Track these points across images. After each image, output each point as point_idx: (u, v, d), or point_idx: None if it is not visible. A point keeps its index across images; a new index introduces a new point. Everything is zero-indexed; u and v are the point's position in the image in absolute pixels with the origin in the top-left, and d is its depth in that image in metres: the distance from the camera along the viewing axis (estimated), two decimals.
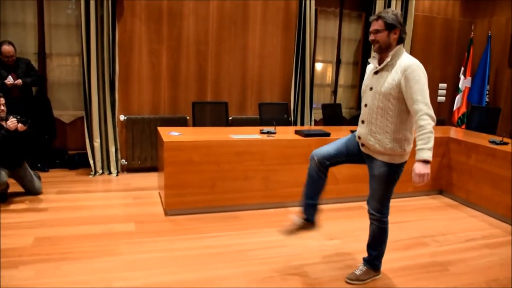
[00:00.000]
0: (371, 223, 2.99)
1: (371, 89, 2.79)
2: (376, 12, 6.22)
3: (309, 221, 3.10)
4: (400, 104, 2.68)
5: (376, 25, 2.71)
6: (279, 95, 6.20)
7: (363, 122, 2.85)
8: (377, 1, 6.30)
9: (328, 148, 3.04)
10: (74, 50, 5.37)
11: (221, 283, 2.92)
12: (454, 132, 5.42)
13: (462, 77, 7.05)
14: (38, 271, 2.91)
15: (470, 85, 6.99)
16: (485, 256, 3.56)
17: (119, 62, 5.28)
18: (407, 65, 2.62)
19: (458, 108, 7.10)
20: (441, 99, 7.28)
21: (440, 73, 7.19)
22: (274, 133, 4.55)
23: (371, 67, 2.90)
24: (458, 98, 7.10)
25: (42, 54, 5.26)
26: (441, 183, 5.15)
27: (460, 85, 7.07)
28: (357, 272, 3.05)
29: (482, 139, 4.90)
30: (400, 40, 2.72)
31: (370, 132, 2.78)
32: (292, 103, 6.13)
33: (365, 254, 3.10)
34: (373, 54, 2.88)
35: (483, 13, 7.09)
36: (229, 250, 3.41)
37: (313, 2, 5.92)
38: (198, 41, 5.66)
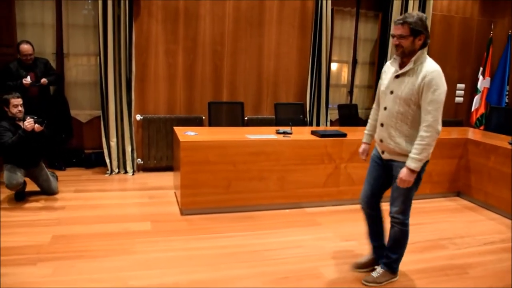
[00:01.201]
0: (392, 226, 2.95)
1: (391, 92, 2.79)
2: (398, 13, 6.21)
3: (376, 260, 3.15)
4: (419, 110, 2.68)
5: (400, 30, 2.66)
6: (294, 96, 6.18)
7: (382, 125, 2.86)
8: (394, 1, 6.24)
9: (364, 187, 3.08)
10: (91, 50, 5.43)
11: (236, 283, 2.91)
12: (472, 134, 5.34)
13: (480, 77, 6.95)
14: (55, 268, 2.95)
15: (489, 86, 6.89)
16: (503, 260, 3.49)
17: (135, 62, 5.32)
18: (429, 72, 2.61)
19: (477, 109, 7.00)
20: (459, 99, 7.18)
21: (458, 74, 7.09)
22: (290, 133, 4.53)
23: (390, 68, 2.87)
24: (476, 98, 7.00)
25: (60, 54, 5.32)
26: (459, 185, 5.07)
27: (478, 86, 6.97)
28: (374, 275, 3.01)
29: (501, 140, 4.82)
30: (424, 45, 2.69)
31: (390, 136, 2.80)
32: (308, 103, 6.11)
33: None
34: (394, 55, 2.85)
35: (502, 12, 6.97)
36: (244, 250, 3.41)
37: (329, 2, 5.89)
38: (214, 41, 5.67)
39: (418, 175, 2.76)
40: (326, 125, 6.24)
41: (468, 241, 3.85)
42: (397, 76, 2.77)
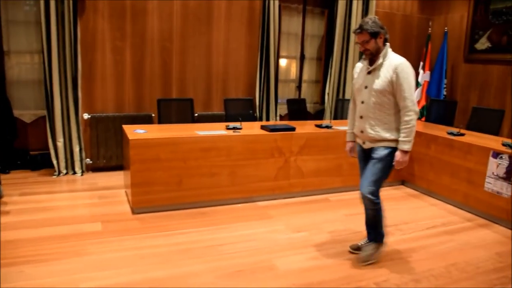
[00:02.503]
0: (366, 210, 3.23)
1: (366, 87, 3.10)
2: (343, 10, 6.38)
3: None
4: (394, 98, 3.02)
5: (361, 37, 3.02)
6: (244, 91, 6.24)
7: (361, 117, 3.15)
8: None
9: (360, 179, 3.28)
10: (34, 47, 5.23)
11: (191, 280, 2.94)
12: None
13: (421, 71, 7.28)
14: (1, 275, 2.84)
15: (429, 79, 7.23)
16: (444, 242, 3.73)
17: (81, 59, 5.18)
18: (397, 64, 2.98)
19: (418, 101, 7.32)
20: None
21: None
22: (240, 128, 4.58)
23: (361, 66, 3.22)
24: (417, 91, 7.31)
25: None
26: (403, 174, 5.32)
27: (419, 79, 7.29)
28: (363, 253, 3.29)
29: (440, 130, 5.09)
30: (386, 40, 3.06)
31: (370, 125, 3.10)
32: (257, 98, 6.18)
33: (332, 246, 3.22)
34: (363, 56, 3.17)
35: (439, 10, 7.33)
36: (198, 246, 3.43)
37: None
38: (163, 38, 5.62)
39: (390, 161, 3.06)
40: (276, 120, 6.34)
41: (412, 226, 4.06)
42: (369, 72, 3.09)
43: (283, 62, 6.71)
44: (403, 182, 5.39)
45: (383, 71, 3.01)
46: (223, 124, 4.82)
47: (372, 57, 3.09)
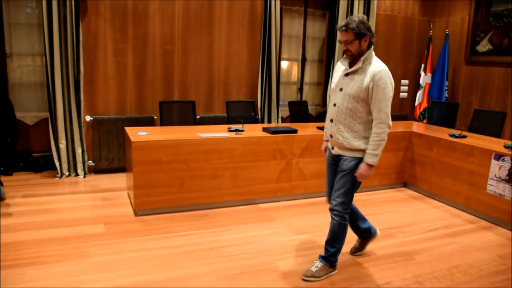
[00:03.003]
0: (332, 219, 3.04)
1: (341, 90, 2.91)
2: (344, 13, 6.39)
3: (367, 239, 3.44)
4: (367, 107, 2.83)
5: (345, 36, 2.80)
6: (246, 94, 6.24)
7: (331, 120, 2.97)
8: (341, 1, 6.42)
9: (326, 187, 3.20)
10: (36, 50, 5.25)
11: (193, 282, 2.94)
12: (416, 127, 5.60)
13: (422, 73, 7.28)
14: (3, 277, 2.85)
15: (430, 81, 7.23)
16: (447, 244, 3.72)
17: (83, 62, 5.20)
18: (377, 72, 2.76)
19: (420, 104, 7.33)
20: (403, 95, 7.49)
21: (402, 70, 7.40)
22: (242, 130, 4.59)
23: (340, 67, 3.00)
24: (419, 93, 7.33)
25: (2, 54, 5.11)
26: (405, 176, 5.32)
27: (421, 81, 7.30)
28: (313, 269, 3.07)
29: (442, 133, 5.09)
30: (370, 44, 2.84)
31: (338, 131, 2.92)
32: (259, 101, 6.18)
33: None
34: (344, 55, 2.96)
35: (440, 12, 7.34)
36: (200, 248, 3.44)
37: (278, 1, 5.98)
38: (164, 40, 5.63)
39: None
40: (278, 122, 6.35)
41: (414, 229, 4.06)
42: (346, 74, 2.90)
43: (284, 64, 6.72)
44: (405, 184, 5.39)
45: (361, 77, 2.81)
46: (225, 126, 4.83)
47: (353, 59, 2.88)
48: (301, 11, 6.61)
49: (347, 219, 3.03)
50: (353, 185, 2.97)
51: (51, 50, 4.93)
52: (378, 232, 3.46)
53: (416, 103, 7.36)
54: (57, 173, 5.19)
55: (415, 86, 7.51)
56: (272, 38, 6.05)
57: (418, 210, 4.61)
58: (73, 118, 5.17)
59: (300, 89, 6.87)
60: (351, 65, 2.90)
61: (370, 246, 3.55)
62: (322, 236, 3.74)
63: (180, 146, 4.09)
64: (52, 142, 5.12)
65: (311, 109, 6.83)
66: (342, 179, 2.95)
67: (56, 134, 5.12)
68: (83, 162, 5.30)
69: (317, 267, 3.08)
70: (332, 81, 3.07)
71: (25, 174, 5.24)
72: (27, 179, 5.08)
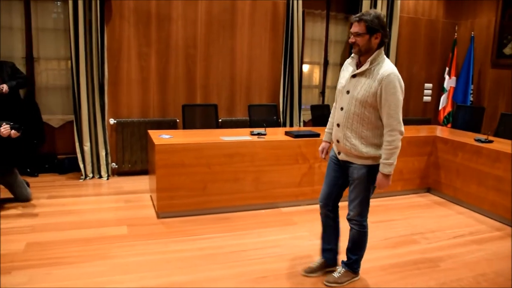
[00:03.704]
0: (351, 229, 2.99)
1: (348, 92, 2.76)
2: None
3: (327, 264, 3.17)
4: (376, 112, 2.69)
5: (357, 28, 2.64)
6: (268, 97, 6.25)
7: (338, 125, 2.85)
8: (363, 3, 6.38)
9: (323, 188, 3.09)
10: (62, 54, 5.36)
11: (215, 284, 2.94)
12: (440, 131, 5.51)
13: (447, 77, 7.17)
14: (30, 276, 2.91)
15: (455, 85, 7.11)
16: (473, 252, 3.64)
17: (108, 65, 5.28)
18: (385, 75, 2.59)
19: (444, 108, 7.22)
20: (427, 98, 7.38)
21: (426, 73, 7.30)
22: (265, 134, 4.58)
23: (348, 67, 2.85)
24: (443, 97, 7.21)
25: (29, 58, 5.23)
26: (429, 182, 5.23)
27: (445, 85, 7.19)
28: (336, 275, 3.04)
29: (467, 137, 4.99)
30: (381, 44, 2.68)
31: (345, 136, 2.78)
32: (281, 104, 6.18)
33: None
34: (352, 54, 2.83)
35: (466, 15, 7.22)
36: (222, 252, 3.44)
37: (300, 4, 5.98)
38: (187, 44, 5.68)
39: (371, 179, 2.81)
40: (299, 126, 6.33)
41: (438, 235, 3.99)
42: (353, 76, 2.75)
43: (306, 67, 6.70)
44: (428, 190, 5.30)
45: (369, 80, 2.65)
46: (247, 130, 4.83)
47: (360, 57, 2.72)
48: (323, 15, 6.58)
49: (366, 226, 2.97)
50: (368, 193, 2.87)
51: (77, 54, 5.03)
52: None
53: (440, 107, 7.25)
54: (81, 175, 5.27)
55: (439, 90, 7.39)
56: (295, 41, 6.04)
57: (442, 216, 4.52)
58: (98, 121, 5.26)
59: (322, 93, 6.84)
60: (358, 65, 2.75)
61: (393, 252, 3.50)
62: (344, 241, 3.70)
63: (202, 150, 4.11)
64: (77, 144, 5.21)
65: None
66: (356, 189, 2.85)
67: (80, 136, 5.21)
68: (107, 164, 5.38)
69: (339, 273, 3.05)
70: (339, 80, 2.91)
71: (50, 175, 5.35)
72: (52, 180, 5.17)
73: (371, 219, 4.29)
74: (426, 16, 7.13)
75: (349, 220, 2.98)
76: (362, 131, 2.73)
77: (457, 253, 3.60)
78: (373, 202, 4.75)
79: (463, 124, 6.04)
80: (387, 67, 2.63)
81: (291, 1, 5.93)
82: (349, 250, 3.06)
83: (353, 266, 3.06)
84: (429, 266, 3.35)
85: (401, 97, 2.62)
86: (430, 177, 5.22)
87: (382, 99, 2.61)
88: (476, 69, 6.96)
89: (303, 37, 6.33)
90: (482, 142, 4.67)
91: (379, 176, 2.73)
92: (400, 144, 2.67)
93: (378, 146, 2.74)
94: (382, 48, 2.70)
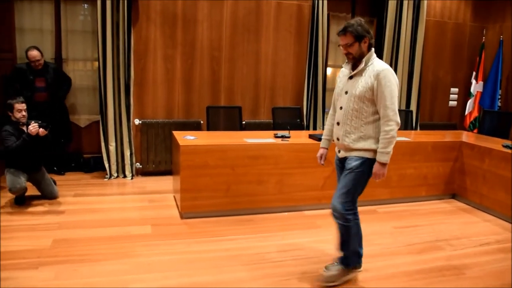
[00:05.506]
0: (336, 223, 2.98)
1: (346, 92, 2.93)
2: (393, 19, 6.28)
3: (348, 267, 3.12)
4: (373, 106, 2.84)
5: (345, 40, 2.84)
6: (291, 100, 6.24)
7: (338, 123, 2.99)
8: (389, 7, 6.32)
9: (336, 192, 3.07)
10: (90, 55, 5.47)
11: (238, 286, 2.95)
12: (466, 137, 5.41)
13: (473, 81, 7.04)
14: (57, 272, 2.97)
15: (482, 90, 6.98)
16: (499, 261, 3.56)
17: (134, 67, 5.36)
18: (380, 70, 2.78)
19: (470, 113, 7.09)
20: (452, 103, 7.27)
21: (452, 78, 7.18)
22: (289, 137, 4.58)
23: (344, 72, 3.04)
24: (469, 102, 7.09)
25: (59, 59, 5.35)
26: (454, 187, 5.14)
27: (471, 90, 7.06)
28: (326, 272, 3.05)
29: (495, 143, 4.89)
30: (370, 46, 2.87)
31: (345, 132, 2.92)
32: (305, 107, 6.16)
33: (382, 259, 3.11)
34: (346, 60, 2.99)
35: (494, 18, 7.09)
36: (245, 253, 3.44)
37: (325, 8, 5.96)
38: (212, 46, 5.72)
39: (370, 170, 2.89)
40: (323, 129, 6.27)
41: (464, 242, 3.91)
42: (350, 78, 2.93)
43: (329, 71, 6.67)
44: (454, 196, 5.21)
45: (365, 77, 2.83)
46: (271, 132, 4.84)
47: (355, 62, 2.89)
48: (348, 18, 6.54)
49: (350, 219, 2.94)
50: (356, 186, 2.92)
51: (104, 56, 5.11)
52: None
53: (466, 112, 7.12)
54: (106, 174, 5.35)
55: (465, 95, 7.27)
56: (319, 44, 6.03)
57: (468, 223, 4.44)
58: (123, 121, 5.33)
59: None
60: (353, 68, 2.92)
61: (417, 258, 3.46)
62: (368, 246, 3.66)
63: (227, 151, 4.13)
64: (103, 144, 5.30)
65: None
66: (345, 178, 2.93)
67: (106, 136, 5.29)
68: (131, 164, 5.45)
69: (333, 270, 3.06)
70: (336, 85, 3.11)
71: (76, 174, 5.45)
72: (78, 179, 5.27)
73: (394, 224, 4.28)
74: (453, 20, 7.02)
75: (332, 212, 2.97)
76: (361, 126, 2.88)
77: (483, 261, 3.53)
78: (395, 206, 4.74)
79: (490, 129, 5.92)
80: (381, 64, 2.84)
81: (316, 4, 5.92)
82: (339, 247, 3.07)
83: (345, 262, 3.05)
84: (455, 273, 3.29)
85: (395, 90, 2.80)
86: (455, 182, 5.13)
87: (378, 92, 2.78)
88: (505, 73, 6.82)
89: (328, 40, 6.30)
90: (510, 148, 4.57)
91: (376, 165, 2.85)
92: (396, 134, 2.81)
93: (375, 139, 2.86)
94: (373, 49, 2.89)
